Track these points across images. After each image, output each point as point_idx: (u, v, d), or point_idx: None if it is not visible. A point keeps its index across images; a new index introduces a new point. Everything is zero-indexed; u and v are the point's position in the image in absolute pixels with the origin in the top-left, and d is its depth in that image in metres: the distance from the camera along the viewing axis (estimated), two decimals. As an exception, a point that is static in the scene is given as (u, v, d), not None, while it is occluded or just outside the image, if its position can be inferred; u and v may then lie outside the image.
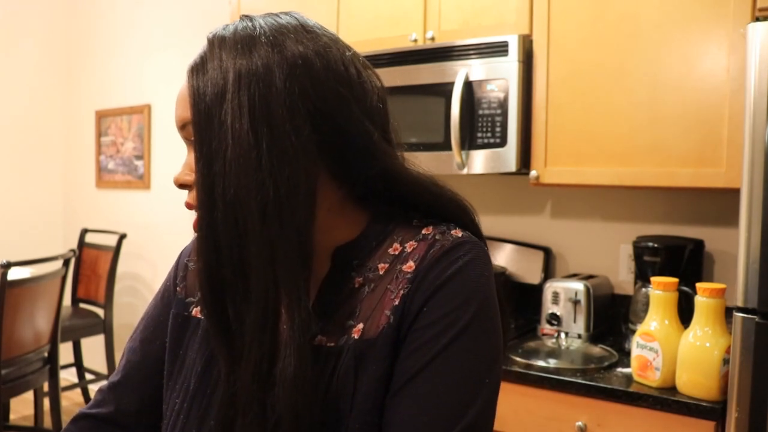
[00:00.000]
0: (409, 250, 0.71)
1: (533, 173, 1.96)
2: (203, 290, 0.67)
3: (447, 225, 0.73)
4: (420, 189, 0.73)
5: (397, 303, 0.68)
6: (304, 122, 0.64)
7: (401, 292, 0.68)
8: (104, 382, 0.87)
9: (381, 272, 0.71)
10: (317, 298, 0.72)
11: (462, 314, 0.66)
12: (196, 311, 0.80)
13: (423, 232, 0.72)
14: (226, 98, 0.64)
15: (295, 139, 0.63)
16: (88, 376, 3.70)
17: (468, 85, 1.98)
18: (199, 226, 0.66)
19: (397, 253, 0.72)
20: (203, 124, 0.65)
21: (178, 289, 0.83)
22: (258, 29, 0.67)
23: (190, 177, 0.69)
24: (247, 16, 0.71)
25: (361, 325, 0.69)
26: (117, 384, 0.84)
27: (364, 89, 0.70)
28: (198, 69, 0.67)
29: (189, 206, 0.70)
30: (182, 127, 0.71)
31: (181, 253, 0.88)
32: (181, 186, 0.72)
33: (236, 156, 0.62)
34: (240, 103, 0.63)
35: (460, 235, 0.71)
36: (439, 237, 0.71)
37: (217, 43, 0.67)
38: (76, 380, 3.72)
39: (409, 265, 0.70)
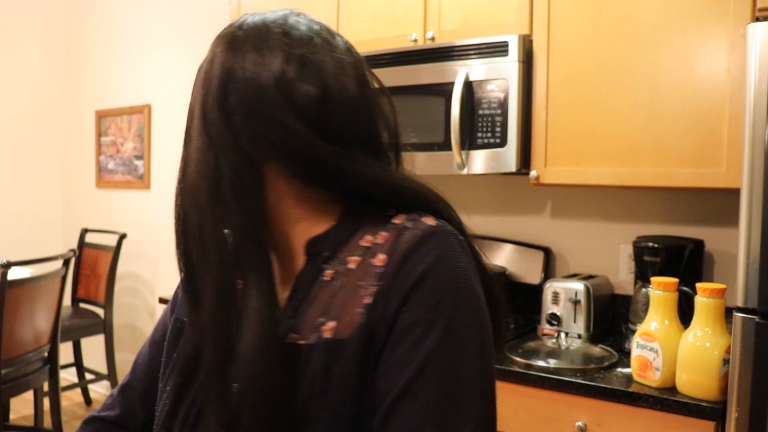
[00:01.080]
0: (380, 241, 0.69)
1: (533, 173, 1.96)
2: (181, 271, 0.72)
3: (419, 213, 0.70)
4: (393, 189, 0.71)
5: (369, 301, 0.66)
6: (239, 122, 0.69)
7: (373, 288, 0.66)
8: (106, 382, 0.88)
9: (352, 266, 0.69)
10: (292, 291, 0.72)
11: (442, 314, 0.63)
12: None
13: (393, 221, 0.70)
14: (192, 94, 0.73)
15: (232, 134, 0.68)
16: (88, 376, 3.70)
17: (468, 85, 1.98)
18: (175, 209, 0.73)
19: (369, 245, 0.69)
20: (187, 122, 0.73)
21: (179, 294, 0.84)
22: (238, 31, 0.72)
23: None
24: (251, 14, 0.75)
25: (332, 324, 0.67)
26: (125, 387, 0.86)
27: (298, 99, 0.69)
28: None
29: None
30: None
31: None
32: None
33: (195, 147, 0.70)
34: (193, 100, 0.72)
35: (432, 223, 0.68)
36: (410, 225, 0.68)
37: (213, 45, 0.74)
38: (76, 380, 3.72)
39: (379, 258, 0.67)
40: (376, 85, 0.76)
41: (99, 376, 3.60)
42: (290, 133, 0.68)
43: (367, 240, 0.70)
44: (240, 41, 0.71)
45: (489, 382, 0.65)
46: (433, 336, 0.63)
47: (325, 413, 0.64)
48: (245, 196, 0.68)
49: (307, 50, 0.70)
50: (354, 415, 0.64)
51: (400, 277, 0.65)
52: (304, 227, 0.73)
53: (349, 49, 0.76)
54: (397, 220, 0.70)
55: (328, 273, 0.70)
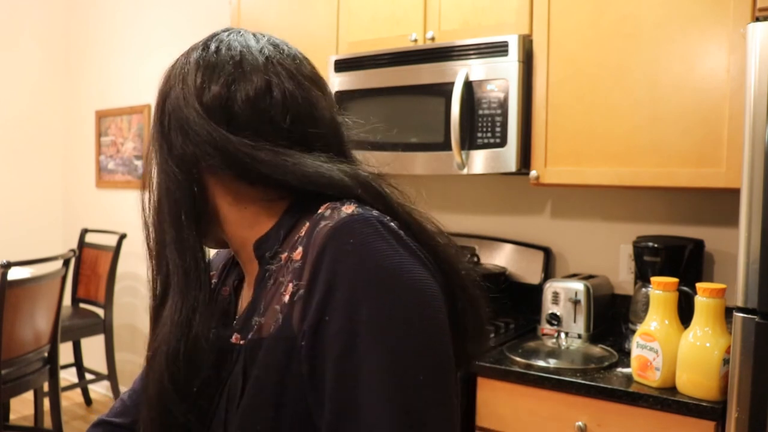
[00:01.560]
0: (302, 233, 0.66)
1: (533, 173, 1.96)
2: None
3: (343, 201, 0.65)
4: (307, 176, 0.67)
5: (286, 299, 0.63)
6: (175, 135, 0.72)
7: (290, 285, 0.63)
8: (106, 382, 0.88)
9: (282, 262, 0.67)
10: (252, 295, 0.71)
11: (366, 316, 0.57)
12: None
13: (319, 210, 0.65)
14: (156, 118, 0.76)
15: (166, 145, 0.72)
16: (88, 376, 3.70)
17: (468, 85, 1.98)
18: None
19: (296, 239, 0.67)
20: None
21: None
22: (201, 55, 0.76)
23: None
24: (226, 32, 0.78)
25: (262, 321, 0.66)
26: (135, 392, 0.86)
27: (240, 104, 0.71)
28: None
29: None
30: None
31: None
32: None
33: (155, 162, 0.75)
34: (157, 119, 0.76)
35: (350, 211, 0.63)
36: (327, 214, 0.63)
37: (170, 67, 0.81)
38: (76, 380, 3.72)
39: (298, 252, 0.64)
40: (306, 83, 0.73)
41: (99, 377, 3.60)
42: (205, 133, 0.69)
43: (300, 233, 0.67)
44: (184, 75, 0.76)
45: (436, 384, 0.58)
46: (362, 345, 0.57)
47: (237, 417, 0.63)
48: (178, 205, 0.71)
49: (216, 58, 0.73)
50: (271, 419, 0.61)
51: (317, 278, 0.60)
52: (258, 230, 0.72)
53: (277, 50, 0.75)
54: (322, 209, 0.65)
55: (269, 272, 0.70)
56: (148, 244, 0.74)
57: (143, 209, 0.75)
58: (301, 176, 0.67)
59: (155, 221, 0.73)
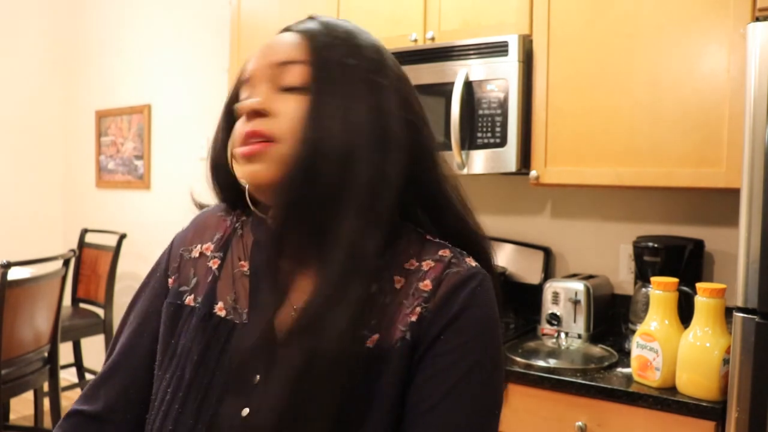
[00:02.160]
0: (425, 268, 0.74)
1: (533, 173, 1.96)
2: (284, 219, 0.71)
3: (461, 251, 0.77)
4: (452, 211, 0.79)
5: (413, 320, 0.71)
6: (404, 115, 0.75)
7: (417, 309, 0.72)
8: (92, 377, 0.86)
9: (397, 286, 0.74)
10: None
11: (476, 346, 0.70)
12: (189, 299, 0.80)
13: (440, 253, 0.75)
14: (354, 58, 0.73)
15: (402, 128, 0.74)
16: (88, 376, 3.70)
17: (468, 85, 1.98)
18: (296, 161, 0.69)
19: (413, 269, 0.74)
20: (324, 69, 0.72)
21: (170, 279, 0.83)
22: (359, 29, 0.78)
23: (266, 106, 0.72)
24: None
25: (376, 336, 0.71)
26: (106, 378, 0.83)
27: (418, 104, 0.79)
28: (306, 27, 0.76)
29: (256, 134, 0.71)
30: (280, 64, 0.74)
31: (173, 243, 0.87)
32: (256, 113, 0.72)
33: (357, 108, 0.71)
34: (367, 69, 0.73)
35: (473, 264, 0.75)
36: (455, 261, 0.74)
37: (321, 17, 0.78)
38: (76, 380, 3.72)
39: (426, 284, 0.73)
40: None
41: (99, 376, 3.60)
42: (432, 142, 0.79)
43: (411, 264, 0.75)
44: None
45: (498, 419, 0.72)
46: (465, 365, 0.69)
47: (368, 420, 0.68)
48: (390, 191, 0.72)
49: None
50: (397, 417, 0.69)
51: (446, 307, 0.71)
52: None
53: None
54: (444, 254, 0.75)
55: (374, 286, 0.73)
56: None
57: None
58: (465, 231, 0.80)
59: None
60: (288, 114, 0.71)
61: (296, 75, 0.72)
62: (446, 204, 0.78)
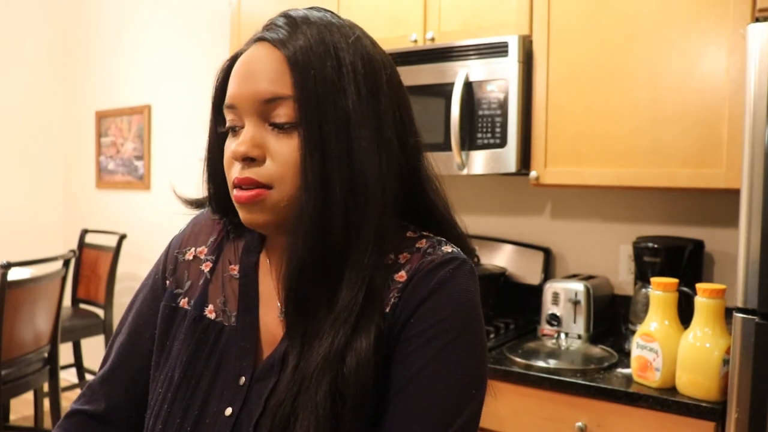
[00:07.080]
0: (402, 261, 0.74)
1: (533, 174, 1.96)
2: (298, 270, 0.69)
3: (438, 240, 0.76)
4: (432, 199, 0.79)
5: (387, 311, 0.71)
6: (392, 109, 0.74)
7: (392, 300, 0.71)
8: (92, 377, 0.86)
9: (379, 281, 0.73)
10: None
11: (447, 326, 0.69)
12: (183, 302, 0.81)
13: (417, 245, 0.75)
14: (342, 80, 0.69)
15: (392, 128, 0.73)
16: (88, 377, 3.70)
17: (468, 86, 1.98)
18: (305, 205, 0.68)
19: (389, 263, 0.73)
20: (314, 103, 0.68)
21: (167, 281, 0.84)
22: (334, 18, 0.74)
23: (258, 150, 0.70)
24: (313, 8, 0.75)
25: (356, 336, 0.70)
26: (107, 378, 0.84)
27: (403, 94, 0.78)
28: (287, 42, 0.70)
29: (249, 182, 0.69)
30: (266, 101, 0.69)
31: (170, 245, 0.88)
32: (246, 159, 0.70)
33: (357, 137, 0.68)
34: (357, 87, 0.70)
35: (450, 250, 0.74)
36: (431, 251, 0.74)
37: (300, 20, 0.71)
38: (76, 381, 3.72)
39: (401, 275, 0.72)
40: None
41: (99, 377, 3.60)
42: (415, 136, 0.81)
43: (389, 259, 0.73)
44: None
45: (479, 401, 0.70)
46: (436, 345, 0.68)
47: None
48: (390, 192, 0.72)
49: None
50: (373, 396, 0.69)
51: (415, 292, 0.70)
52: None
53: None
54: (420, 245, 0.75)
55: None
56: None
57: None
58: (449, 222, 0.81)
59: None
60: (282, 157, 0.69)
61: (284, 113, 0.69)
62: (430, 210, 0.80)
